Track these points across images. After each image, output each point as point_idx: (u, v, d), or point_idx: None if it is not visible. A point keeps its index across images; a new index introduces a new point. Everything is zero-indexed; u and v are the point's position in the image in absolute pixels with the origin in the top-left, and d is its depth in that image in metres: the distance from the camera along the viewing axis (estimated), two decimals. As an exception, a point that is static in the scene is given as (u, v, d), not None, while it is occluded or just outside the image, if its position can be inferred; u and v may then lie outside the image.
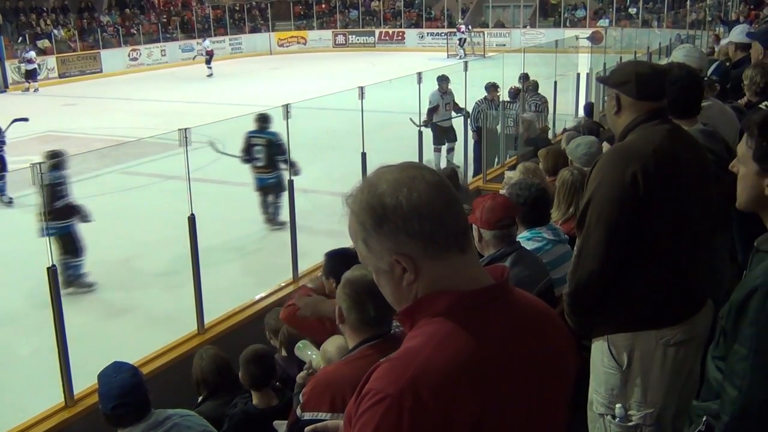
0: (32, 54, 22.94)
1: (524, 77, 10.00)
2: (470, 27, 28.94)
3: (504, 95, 10.06)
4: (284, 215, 6.98)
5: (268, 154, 7.91)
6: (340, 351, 2.38)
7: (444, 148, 10.50)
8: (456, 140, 10.24)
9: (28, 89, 22.61)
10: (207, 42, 26.20)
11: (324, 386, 2.21)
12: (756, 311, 1.51)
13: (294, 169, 7.76)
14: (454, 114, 10.21)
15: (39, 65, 23.49)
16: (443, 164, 9.80)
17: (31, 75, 22.84)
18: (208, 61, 25.35)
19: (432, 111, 9.95)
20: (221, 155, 8.47)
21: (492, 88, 9.87)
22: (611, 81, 2.45)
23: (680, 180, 2.28)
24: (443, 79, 10.07)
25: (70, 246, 6.74)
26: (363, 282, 2.21)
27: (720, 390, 1.61)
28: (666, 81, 2.45)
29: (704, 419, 1.72)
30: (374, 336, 2.21)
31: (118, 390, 2.74)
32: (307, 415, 2.19)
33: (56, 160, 6.35)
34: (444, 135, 10.40)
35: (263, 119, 7.91)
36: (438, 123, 10.05)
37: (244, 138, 8.06)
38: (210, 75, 24.84)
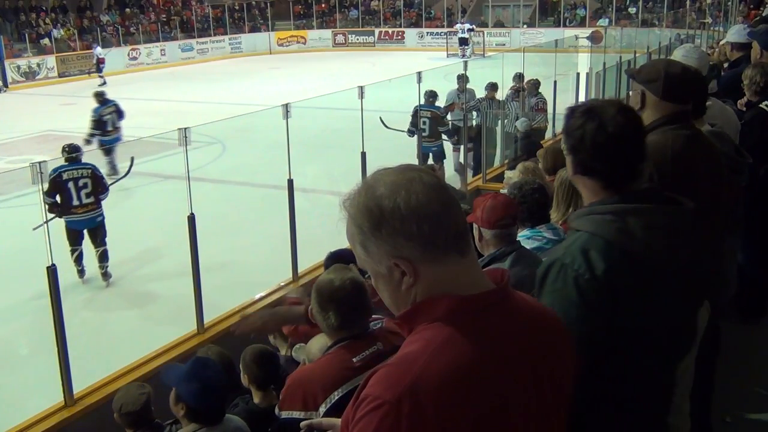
0: None
1: (518, 77, 9.99)
2: (474, 27, 28.88)
3: (505, 95, 10.06)
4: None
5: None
6: (322, 351, 2.40)
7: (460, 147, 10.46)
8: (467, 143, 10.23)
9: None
10: (99, 49, 24.59)
11: (296, 386, 2.24)
12: (551, 282, 1.68)
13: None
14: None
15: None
16: (457, 162, 9.76)
17: None
18: (98, 69, 23.77)
19: (447, 108, 9.94)
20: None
21: (491, 87, 9.86)
22: (639, 77, 2.41)
23: (694, 186, 2.26)
24: (461, 78, 9.99)
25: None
26: (328, 288, 2.25)
27: None
28: (696, 84, 2.41)
29: None
30: (345, 337, 2.24)
31: (223, 384, 2.77)
32: (284, 414, 2.21)
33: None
34: (455, 134, 10.36)
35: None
36: (453, 121, 10.02)
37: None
38: (101, 84, 22.53)
